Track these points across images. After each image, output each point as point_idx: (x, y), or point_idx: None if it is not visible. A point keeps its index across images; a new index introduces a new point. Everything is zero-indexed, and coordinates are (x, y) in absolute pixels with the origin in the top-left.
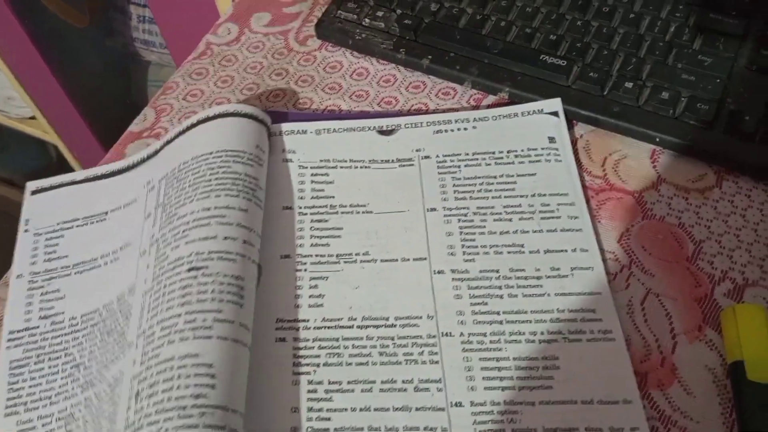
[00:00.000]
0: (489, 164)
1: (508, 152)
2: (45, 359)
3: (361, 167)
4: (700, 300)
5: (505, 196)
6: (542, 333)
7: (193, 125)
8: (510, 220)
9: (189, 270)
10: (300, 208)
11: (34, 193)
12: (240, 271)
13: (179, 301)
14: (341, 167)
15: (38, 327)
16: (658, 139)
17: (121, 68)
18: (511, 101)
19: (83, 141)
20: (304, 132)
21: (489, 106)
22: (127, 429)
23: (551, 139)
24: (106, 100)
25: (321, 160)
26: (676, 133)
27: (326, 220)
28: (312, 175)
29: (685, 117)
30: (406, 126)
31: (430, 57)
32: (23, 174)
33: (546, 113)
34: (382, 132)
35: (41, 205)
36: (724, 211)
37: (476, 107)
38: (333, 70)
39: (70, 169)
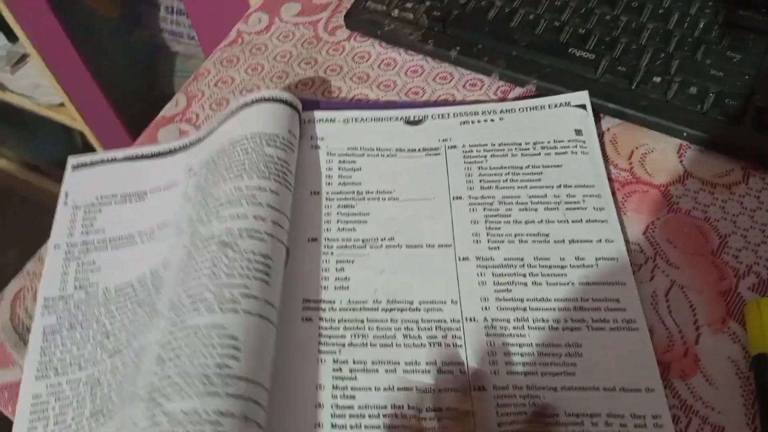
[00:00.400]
0: (515, 155)
1: (534, 144)
2: (77, 327)
3: (387, 156)
4: (725, 293)
5: (530, 187)
6: (566, 321)
7: (233, 112)
8: (535, 210)
9: (219, 245)
10: (327, 193)
11: (75, 168)
12: (268, 250)
13: (207, 273)
14: (368, 155)
15: (72, 296)
16: (685, 134)
17: (149, 59)
18: (539, 94)
19: (110, 129)
20: (333, 120)
21: (516, 99)
22: (151, 393)
23: (578, 132)
24: (134, 89)
25: (349, 148)
26: (703, 128)
27: (353, 206)
28: (340, 162)
29: (713, 112)
30: (433, 117)
31: (458, 48)
32: (49, 162)
33: (573, 106)
34: (409, 122)
35: (81, 180)
36: (750, 206)
37: (503, 99)
38: (361, 60)
39: None
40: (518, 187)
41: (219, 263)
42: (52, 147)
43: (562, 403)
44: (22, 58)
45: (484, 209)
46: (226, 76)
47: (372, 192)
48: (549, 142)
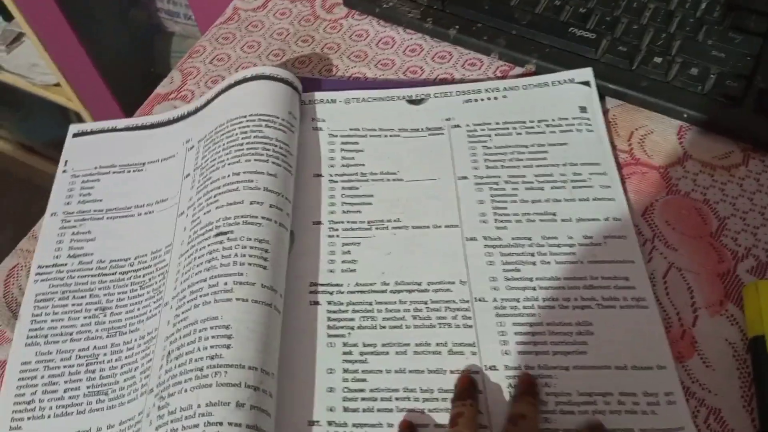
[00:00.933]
0: (520, 133)
1: (539, 122)
2: (69, 296)
3: (390, 136)
4: (723, 275)
5: (536, 165)
6: (575, 299)
7: (231, 86)
8: (542, 188)
9: (216, 235)
10: (330, 175)
11: (75, 135)
12: (265, 234)
13: (206, 266)
14: (371, 136)
15: (66, 264)
16: (685, 115)
17: (146, 38)
18: (538, 73)
19: (106, 109)
20: (334, 101)
21: (516, 78)
22: (159, 387)
23: (582, 109)
24: (130, 69)
25: (351, 129)
26: (703, 110)
27: (357, 188)
28: (342, 143)
29: (714, 94)
30: (436, 95)
31: (457, 27)
32: (44, 142)
33: (577, 83)
34: (412, 101)
35: (81, 148)
36: (749, 189)
37: (503, 78)
38: (359, 39)
39: None
40: (524, 166)
41: (216, 253)
42: (47, 127)
43: (575, 383)
44: (18, 37)
45: (491, 189)
46: (222, 54)
47: (376, 173)
48: (553, 120)
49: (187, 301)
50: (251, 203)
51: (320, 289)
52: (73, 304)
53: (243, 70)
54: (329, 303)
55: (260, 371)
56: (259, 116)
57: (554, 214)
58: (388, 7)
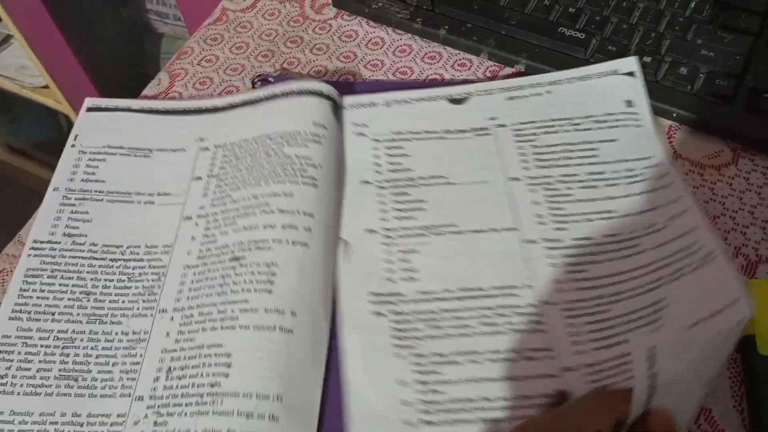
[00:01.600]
0: (567, 131)
1: (585, 118)
2: (58, 275)
3: (435, 138)
4: None
5: (588, 163)
6: (642, 286)
7: (260, 100)
8: (595, 187)
9: (231, 260)
10: (378, 182)
11: (89, 110)
12: (274, 257)
13: (218, 290)
14: (415, 139)
15: (60, 243)
16: (675, 115)
17: (135, 39)
18: (529, 73)
19: None
20: (374, 104)
21: (506, 78)
22: (154, 399)
23: (629, 103)
24: (120, 70)
25: (394, 133)
26: (693, 109)
27: (408, 194)
28: (387, 148)
29: (703, 93)
30: (477, 93)
31: (446, 27)
32: (34, 145)
33: (621, 74)
34: (453, 101)
35: (93, 124)
36: (739, 188)
37: (492, 79)
38: (348, 39)
39: None
40: (575, 165)
41: (228, 279)
42: (36, 130)
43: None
44: (6, 39)
45: (545, 189)
46: (210, 55)
47: (425, 177)
48: (600, 116)
49: (195, 322)
50: (264, 227)
51: (382, 299)
52: (60, 284)
53: (273, 84)
54: (393, 313)
55: (255, 397)
56: (281, 134)
57: (613, 212)
58: (378, 7)
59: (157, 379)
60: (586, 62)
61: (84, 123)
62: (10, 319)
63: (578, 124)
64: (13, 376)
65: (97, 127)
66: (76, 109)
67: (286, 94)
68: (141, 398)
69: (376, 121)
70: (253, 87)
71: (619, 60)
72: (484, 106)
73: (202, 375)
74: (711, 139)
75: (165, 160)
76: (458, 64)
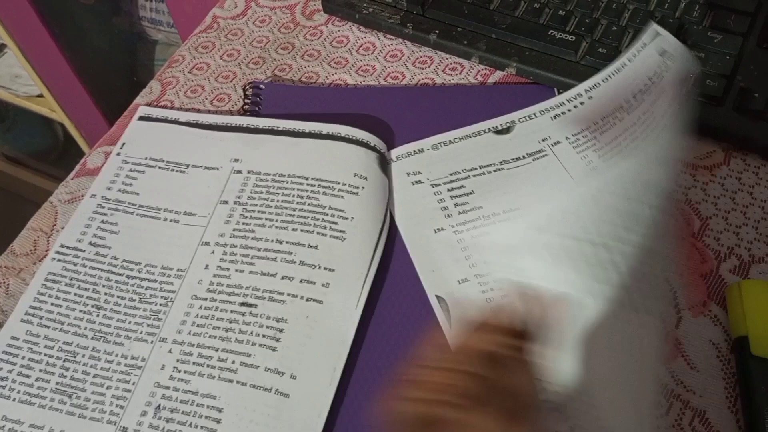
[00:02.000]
0: (622, 118)
1: (639, 93)
2: (75, 285)
3: (495, 171)
4: (706, 276)
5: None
6: None
7: (303, 134)
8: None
9: (241, 304)
10: (453, 226)
11: (141, 119)
12: (285, 313)
13: (222, 335)
14: (474, 176)
15: (84, 251)
16: None
17: (128, 47)
18: (518, 77)
19: (90, 119)
20: (422, 150)
21: (496, 83)
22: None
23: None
24: (114, 78)
25: (451, 174)
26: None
27: (488, 233)
28: (448, 190)
29: (694, 93)
30: (521, 120)
31: (437, 32)
32: (29, 153)
33: (657, 54)
34: (499, 131)
35: (140, 134)
36: (731, 188)
37: (483, 83)
38: (339, 45)
39: (78, 149)
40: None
41: (235, 325)
42: (31, 138)
43: None
44: (0, 48)
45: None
46: (201, 62)
47: (498, 213)
48: (649, 100)
49: (194, 363)
50: (282, 278)
51: None
52: (76, 294)
53: (321, 122)
54: None
55: None
56: (320, 182)
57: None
58: (368, 12)
59: (144, 413)
60: (577, 65)
61: (132, 131)
62: (22, 321)
63: (631, 107)
64: (13, 381)
65: (144, 137)
66: (71, 118)
67: (333, 137)
68: (125, 430)
69: (428, 166)
70: (245, 96)
71: (653, 43)
72: (531, 131)
73: (190, 425)
74: (703, 140)
75: (199, 177)
76: (449, 69)
